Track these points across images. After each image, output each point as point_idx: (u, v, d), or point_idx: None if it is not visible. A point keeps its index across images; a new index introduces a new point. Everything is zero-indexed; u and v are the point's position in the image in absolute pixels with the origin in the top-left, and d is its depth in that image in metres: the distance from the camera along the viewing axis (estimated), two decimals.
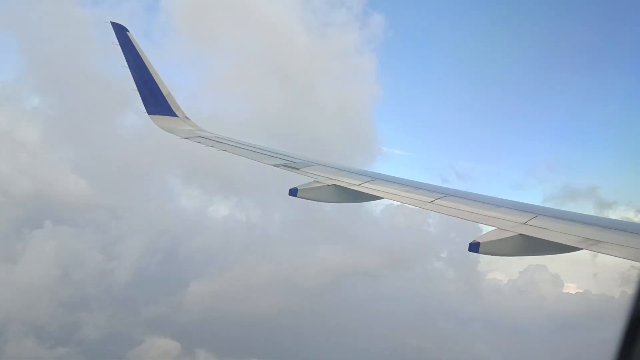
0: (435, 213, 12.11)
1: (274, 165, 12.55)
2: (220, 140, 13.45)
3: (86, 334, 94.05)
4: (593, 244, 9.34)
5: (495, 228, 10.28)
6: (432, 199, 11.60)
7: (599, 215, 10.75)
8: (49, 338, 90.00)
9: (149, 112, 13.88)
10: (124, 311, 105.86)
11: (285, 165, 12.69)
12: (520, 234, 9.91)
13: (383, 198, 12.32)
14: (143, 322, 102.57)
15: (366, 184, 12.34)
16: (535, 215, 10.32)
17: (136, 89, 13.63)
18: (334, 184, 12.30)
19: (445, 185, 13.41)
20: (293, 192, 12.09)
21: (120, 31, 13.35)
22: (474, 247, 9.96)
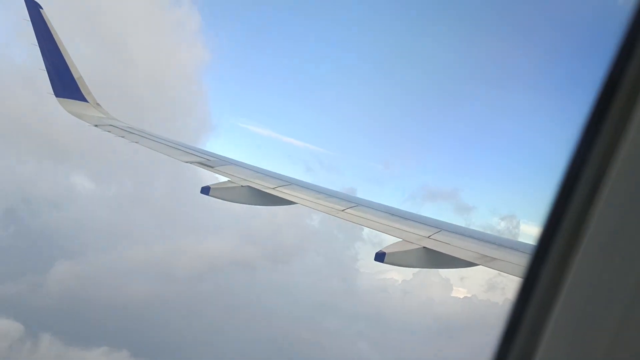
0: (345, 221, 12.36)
1: (188, 162, 12.19)
2: (133, 132, 12.87)
3: None
4: (489, 261, 9.84)
5: (401, 240, 10.60)
6: (344, 208, 11.76)
7: (495, 234, 11.35)
8: None
9: (57, 95, 13.02)
10: None
11: (200, 163, 12.37)
12: (424, 247, 10.27)
13: (296, 203, 12.33)
14: None
15: (280, 188, 12.29)
16: (439, 230, 10.72)
17: (45, 68, 12.81)
18: (248, 186, 12.16)
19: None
20: (205, 190, 11.81)
21: (33, 7, 12.44)
22: (380, 257, 10.20)
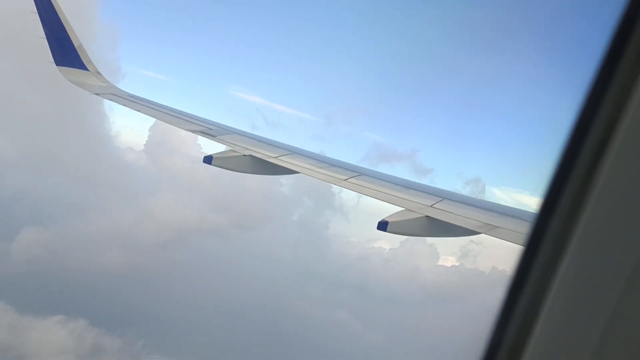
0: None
1: (191, 131, 12.14)
2: (134, 100, 12.80)
3: None
4: (491, 229, 9.88)
5: (404, 209, 10.63)
6: (347, 177, 11.76)
7: (497, 202, 11.37)
8: None
9: (57, 63, 12.89)
10: None
11: (202, 132, 12.32)
12: (427, 216, 10.29)
13: (299, 173, 12.32)
14: None
15: (283, 157, 12.26)
16: (442, 199, 10.74)
17: (44, 36, 12.64)
18: (250, 155, 12.12)
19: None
20: (208, 159, 11.79)
21: None
22: (383, 225, 10.24)
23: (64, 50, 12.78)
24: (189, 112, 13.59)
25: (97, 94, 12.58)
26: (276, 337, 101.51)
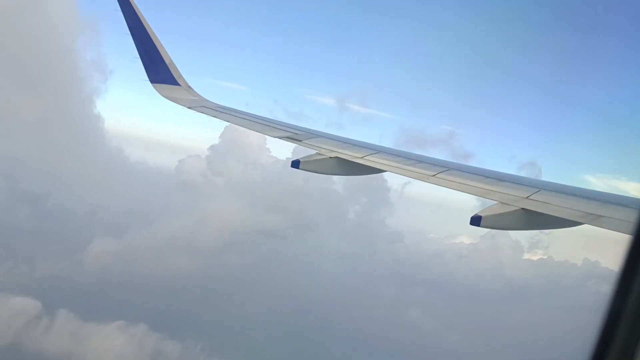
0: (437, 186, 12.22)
1: (277, 137, 12.49)
2: (224, 111, 13.35)
3: None
4: (595, 219, 9.42)
5: (498, 202, 10.36)
6: (435, 173, 11.64)
7: (600, 190, 10.83)
8: None
9: (152, 81, 13.71)
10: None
11: (288, 137, 12.64)
12: (523, 209, 9.98)
13: (386, 171, 12.34)
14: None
15: (369, 157, 12.33)
16: (538, 189, 10.39)
17: (138, 56, 13.49)
18: (337, 157, 12.28)
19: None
20: (295, 164, 12.07)
21: None
22: (476, 220, 10.03)
23: (157, 68, 13.56)
24: (270, 117, 13.99)
25: (189, 108, 13.26)
26: (348, 338, 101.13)
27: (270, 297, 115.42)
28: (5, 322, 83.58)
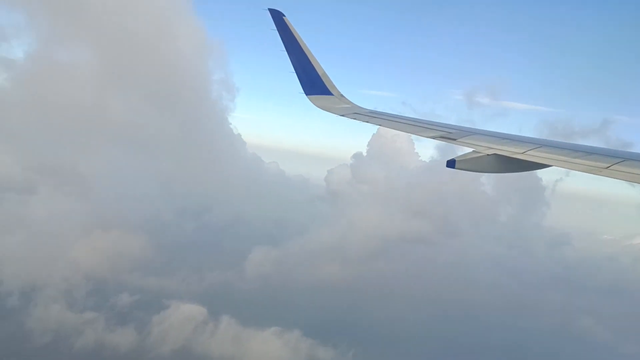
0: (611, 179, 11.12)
1: (431, 137, 12.38)
2: (375, 115, 13.60)
3: (120, 299, 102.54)
4: None
5: None
6: (608, 165, 10.64)
7: None
8: (78, 303, 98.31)
9: (307, 93, 14.50)
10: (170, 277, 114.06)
11: (442, 137, 12.45)
12: None
13: (550, 166, 11.56)
14: (176, 287, 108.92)
15: (530, 152, 11.67)
16: None
17: (294, 71, 14.34)
18: (495, 154, 11.82)
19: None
20: (451, 163, 11.83)
21: (277, 16, 14.08)
22: None
23: (311, 81, 14.31)
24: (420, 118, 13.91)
25: (342, 115, 13.74)
26: (507, 347, 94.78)
27: (422, 305, 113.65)
28: (177, 327, 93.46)
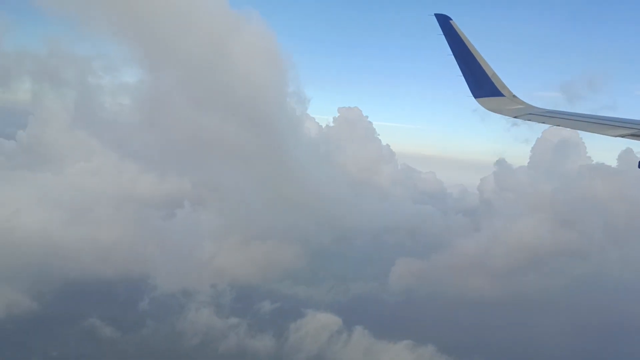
0: None
1: (619, 136, 11.41)
2: (552, 115, 12.90)
3: (262, 306, 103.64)
4: None
5: None
6: None
7: None
8: (224, 309, 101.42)
9: (475, 96, 14.21)
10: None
11: (632, 135, 11.42)
12: None
13: None
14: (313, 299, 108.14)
15: None
16: None
17: (461, 74, 14.16)
18: None
19: None
20: None
21: (444, 21, 14.05)
22: None
23: (480, 82, 14.02)
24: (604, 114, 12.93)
25: (515, 117, 13.24)
26: None
27: (572, 324, 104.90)
28: (312, 335, 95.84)
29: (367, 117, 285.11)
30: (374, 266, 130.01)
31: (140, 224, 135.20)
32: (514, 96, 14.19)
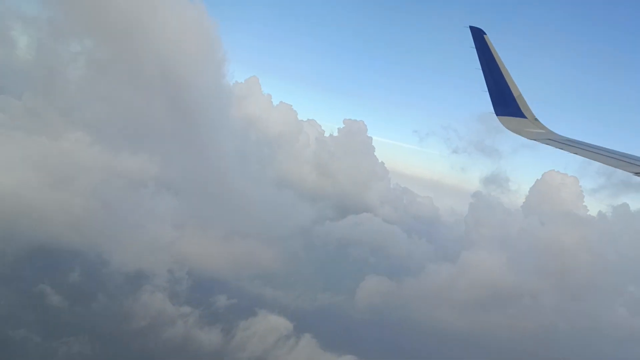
0: None
1: (635, 174, 11.56)
2: (571, 144, 13.03)
3: (218, 299, 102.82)
4: None
5: None
6: None
7: None
8: (179, 297, 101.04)
9: (498, 113, 14.27)
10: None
11: None
12: None
13: None
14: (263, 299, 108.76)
15: None
16: None
17: (487, 90, 14.22)
18: None
19: None
20: None
21: (477, 34, 14.10)
22: None
23: (505, 101, 14.10)
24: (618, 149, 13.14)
25: (533, 140, 13.33)
26: None
27: None
28: (260, 336, 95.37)
29: (366, 131, 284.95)
30: (345, 279, 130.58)
31: (117, 201, 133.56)
32: (536, 119, 14.33)
